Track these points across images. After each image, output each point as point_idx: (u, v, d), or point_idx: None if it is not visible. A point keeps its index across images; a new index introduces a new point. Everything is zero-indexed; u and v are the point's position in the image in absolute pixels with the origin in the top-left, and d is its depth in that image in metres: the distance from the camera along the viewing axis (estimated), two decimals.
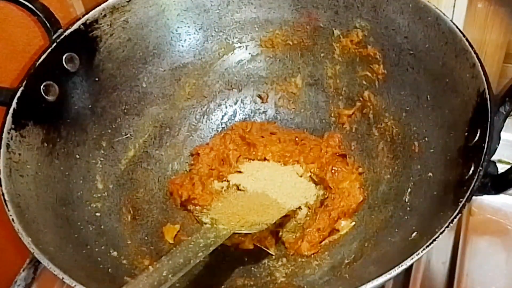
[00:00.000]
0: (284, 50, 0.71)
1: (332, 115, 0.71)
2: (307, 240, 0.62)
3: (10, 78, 0.68)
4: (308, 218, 0.64)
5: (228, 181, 0.67)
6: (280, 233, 0.64)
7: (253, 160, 0.69)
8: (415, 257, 0.45)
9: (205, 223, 0.58)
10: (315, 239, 0.62)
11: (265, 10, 0.69)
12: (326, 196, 0.65)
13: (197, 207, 0.66)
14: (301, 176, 0.67)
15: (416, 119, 0.62)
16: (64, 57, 0.61)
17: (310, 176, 0.67)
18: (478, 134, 0.52)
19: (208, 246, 0.54)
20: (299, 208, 0.64)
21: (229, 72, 0.72)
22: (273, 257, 0.62)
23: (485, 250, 0.64)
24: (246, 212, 0.59)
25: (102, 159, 0.65)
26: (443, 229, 0.46)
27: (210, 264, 0.61)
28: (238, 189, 0.65)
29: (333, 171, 0.66)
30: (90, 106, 0.64)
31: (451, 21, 0.57)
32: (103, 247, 0.59)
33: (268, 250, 0.62)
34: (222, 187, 0.67)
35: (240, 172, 0.67)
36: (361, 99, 0.68)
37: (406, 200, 0.59)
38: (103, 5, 0.63)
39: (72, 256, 0.53)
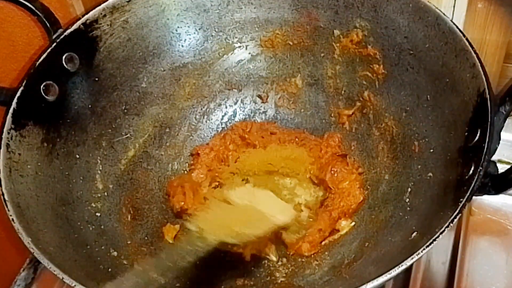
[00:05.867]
0: (284, 50, 0.71)
1: (332, 115, 0.71)
2: (307, 240, 0.62)
3: (10, 78, 0.68)
4: (311, 219, 0.64)
5: (221, 186, 0.67)
6: (283, 235, 0.63)
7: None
8: (415, 257, 0.45)
9: (193, 231, 0.57)
10: (316, 240, 0.62)
11: (265, 10, 0.69)
12: (326, 197, 0.65)
13: (191, 217, 0.66)
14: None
15: (416, 119, 0.62)
16: (64, 57, 0.61)
17: (309, 177, 0.67)
18: (478, 134, 0.52)
19: (195, 252, 0.54)
20: (288, 224, 0.62)
21: (229, 72, 0.72)
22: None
23: (485, 250, 0.64)
24: (233, 223, 0.58)
25: (102, 159, 0.65)
26: (443, 229, 0.46)
27: (210, 264, 0.60)
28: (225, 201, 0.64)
29: (332, 171, 0.65)
30: (90, 106, 0.64)
31: (451, 21, 0.57)
32: (103, 247, 0.59)
33: (269, 257, 0.62)
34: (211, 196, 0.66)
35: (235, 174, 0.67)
36: (361, 99, 0.68)
37: (406, 200, 0.59)
38: (103, 5, 0.63)
39: (72, 256, 0.53)
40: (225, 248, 0.59)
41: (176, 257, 0.52)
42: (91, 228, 0.59)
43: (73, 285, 0.46)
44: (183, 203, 0.65)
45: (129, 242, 0.62)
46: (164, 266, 0.50)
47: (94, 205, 0.62)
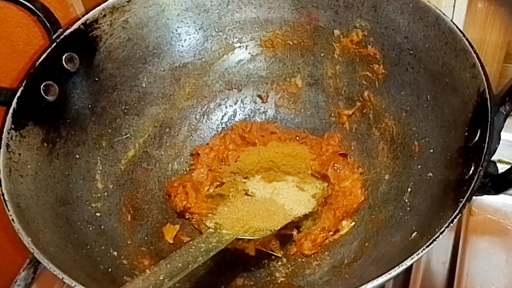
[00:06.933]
0: (284, 50, 0.71)
1: (332, 115, 0.71)
2: (310, 239, 0.62)
3: (10, 78, 0.68)
4: (316, 216, 0.64)
5: (221, 183, 0.67)
6: (295, 234, 0.63)
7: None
8: (415, 257, 0.45)
9: (209, 228, 0.58)
10: (319, 239, 0.62)
11: (265, 10, 0.69)
12: (329, 193, 0.65)
13: (194, 215, 0.66)
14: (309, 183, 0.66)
15: (416, 119, 0.62)
16: (64, 57, 0.61)
17: (311, 173, 0.67)
18: (478, 134, 0.52)
19: (209, 251, 0.53)
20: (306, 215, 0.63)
21: (229, 72, 0.72)
22: (273, 257, 0.62)
23: (485, 250, 0.64)
24: (251, 217, 0.58)
25: (102, 159, 0.65)
26: (443, 229, 0.46)
27: (210, 264, 0.60)
28: (246, 194, 0.65)
29: (335, 167, 0.65)
30: (90, 106, 0.64)
31: (451, 21, 0.57)
32: (103, 247, 0.59)
33: (275, 253, 0.62)
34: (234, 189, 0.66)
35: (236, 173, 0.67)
36: (361, 99, 0.68)
37: (406, 200, 0.59)
38: (103, 5, 0.63)
39: (72, 256, 0.53)
40: (232, 244, 0.59)
41: (189, 258, 0.51)
42: (91, 228, 0.59)
43: (73, 285, 0.46)
44: (185, 202, 0.65)
45: (129, 242, 0.62)
46: (176, 269, 0.50)
47: (94, 205, 0.62)
